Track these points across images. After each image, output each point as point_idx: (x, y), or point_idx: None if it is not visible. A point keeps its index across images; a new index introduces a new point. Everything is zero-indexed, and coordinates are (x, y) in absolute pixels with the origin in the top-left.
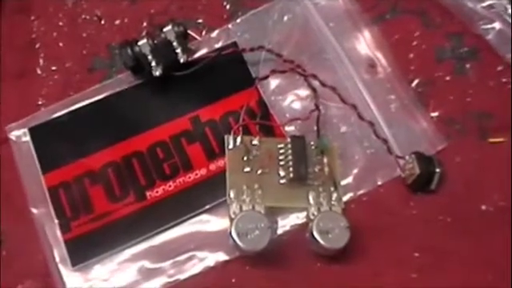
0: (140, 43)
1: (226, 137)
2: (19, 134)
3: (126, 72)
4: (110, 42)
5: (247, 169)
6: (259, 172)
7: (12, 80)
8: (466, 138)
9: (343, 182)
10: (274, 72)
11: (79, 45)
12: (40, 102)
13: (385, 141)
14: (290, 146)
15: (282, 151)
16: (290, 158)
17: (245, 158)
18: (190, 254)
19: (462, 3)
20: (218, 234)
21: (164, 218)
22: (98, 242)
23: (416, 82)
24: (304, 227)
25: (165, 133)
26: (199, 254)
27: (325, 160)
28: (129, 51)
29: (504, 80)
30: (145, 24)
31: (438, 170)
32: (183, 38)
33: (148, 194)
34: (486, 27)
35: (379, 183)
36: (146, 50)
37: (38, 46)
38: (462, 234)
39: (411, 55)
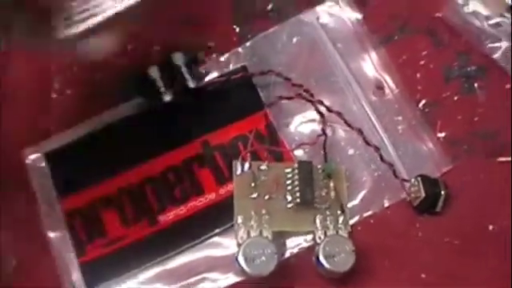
0: (150, 69)
1: (234, 162)
2: (35, 159)
3: (138, 97)
4: (121, 66)
5: (254, 195)
6: (267, 197)
7: (26, 103)
8: (474, 158)
9: (350, 205)
10: (281, 98)
11: (91, 69)
12: (54, 127)
13: (390, 164)
14: (297, 170)
15: (289, 176)
16: (296, 182)
17: (252, 184)
18: (202, 276)
19: (469, 22)
20: (229, 256)
21: (176, 242)
22: (112, 266)
23: (423, 102)
24: (311, 250)
25: (177, 157)
26: (211, 276)
27: (331, 184)
28: (139, 77)
29: None
30: (156, 48)
31: (443, 192)
32: (193, 62)
33: (160, 218)
34: (493, 45)
35: (386, 205)
36: (156, 76)
37: (52, 68)
38: (469, 255)
39: (418, 75)
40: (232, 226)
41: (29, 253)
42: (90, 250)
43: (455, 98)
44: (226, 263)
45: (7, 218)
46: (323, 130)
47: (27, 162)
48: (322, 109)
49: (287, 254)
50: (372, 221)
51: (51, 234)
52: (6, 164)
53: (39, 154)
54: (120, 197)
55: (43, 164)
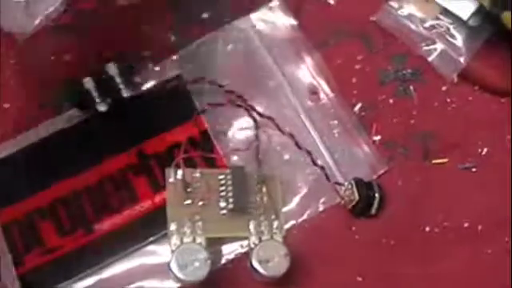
0: (84, 80)
1: (166, 170)
2: None
3: (74, 109)
4: (59, 78)
5: (188, 201)
6: (200, 204)
7: None
8: (410, 160)
9: (285, 209)
10: (210, 105)
11: (30, 82)
12: None
13: (322, 168)
14: (230, 176)
15: (222, 182)
16: (230, 188)
17: (186, 191)
18: (138, 284)
19: (404, 25)
20: (164, 264)
21: (112, 250)
22: (50, 275)
23: (359, 106)
24: (247, 256)
25: (113, 167)
26: (147, 284)
27: (264, 189)
28: (74, 89)
29: (448, 100)
30: (92, 59)
31: (377, 194)
32: (128, 72)
33: (96, 227)
34: (428, 48)
35: (321, 209)
36: (91, 87)
37: None
38: (406, 256)
39: (354, 79)
40: (166, 233)
41: None
42: (28, 260)
43: (391, 101)
44: (162, 271)
45: None
46: (256, 136)
47: None
48: (255, 114)
49: (223, 261)
50: (307, 225)
51: None
52: None
53: None
54: (56, 207)
55: None
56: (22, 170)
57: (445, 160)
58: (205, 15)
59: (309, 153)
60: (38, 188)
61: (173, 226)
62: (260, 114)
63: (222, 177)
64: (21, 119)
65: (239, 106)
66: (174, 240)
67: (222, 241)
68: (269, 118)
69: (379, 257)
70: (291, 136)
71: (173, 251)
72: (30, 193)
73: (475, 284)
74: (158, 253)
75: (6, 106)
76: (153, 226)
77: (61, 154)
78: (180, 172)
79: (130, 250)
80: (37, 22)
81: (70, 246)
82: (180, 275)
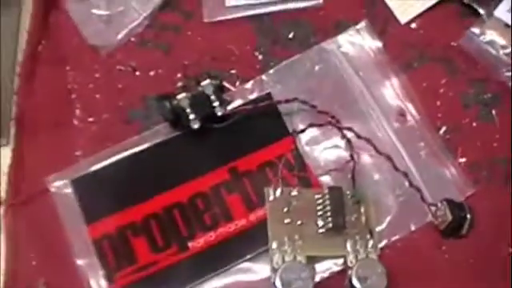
0: (179, 97)
1: (265, 189)
2: (60, 185)
3: (164, 123)
4: (145, 93)
5: (287, 220)
6: (299, 222)
7: (49, 130)
8: (493, 183)
9: (377, 229)
10: (312, 125)
11: (115, 96)
12: (77, 153)
13: (418, 189)
14: (327, 196)
15: (319, 201)
16: (328, 208)
17: (285, 210)
18: None
19: (485, 50)
20: (260, 282)
21: (206, 268)
22: None
23: (444, 128)
24: (341, 274)
25: (204, 184)
26: None
27: (362, 209)
28: (167, 105)
29: None
30: (179, 75)
31: (468, 215)
32: (219, 90)
33: (190, 244)
34: (509, 74)
35: (412, 229)
36: (185, 104)
37: (74, 96)
38: (492, 275)
39: (438, 102)
40: (263, 251)
41: (58, 280)
42: (120, 277)
43: (474, 125)
44: None
45: (37, 244)
46: (352, 156)
47: (52, 189)
48: (350, 135)
49: (318, 279)
50: (399, 244)
51: (79, 261)
52: (32, 192)
53: (64, 181)
54: (148, 223)
55: (69, 190)
56: (113, 184)
57: None
58: (290, 36)
59: (405, 174)
60: (130, 202)
61: (274, 245)
62: (358, 136)
63: (319, 196)
64: (106, 133)
65: (337, 127)
66: (276, 258)
67: (317, 259)
68: (366, 139)
69: (467, 275)
70: (388, 158)
71: (275, 269)
72: (121, 207)
73: None
74: (253, 270)
75: (90, 119)
76: (247, 244)
77: (152, 169)
78: (279, 191)
79: (225, 268)
80: (120, 36)
81: (163, 264)
82: None
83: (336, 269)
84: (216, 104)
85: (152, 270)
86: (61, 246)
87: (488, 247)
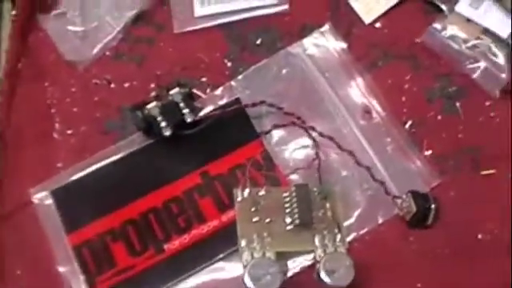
0: (149, 106)
1: (234, 190)
2: (41, 197)
3: (138, 133)
4: (120, 104)
5: (256, 218)
6: (267, 220)
7: (31, 144)
8: (460, 172)
9: (346, 223)
10: (276, 126)
11: (92, 108)
12: (59, 165)
13: (382, 183)
14: (294, 193)
15: (287, 199)
16: (295, 205)
17: (253, 209)
18: None
19: (447, 45)
20: (234, 279)
21: (182, 269)
22: None
23: (409, 123)
24: (312, 268)
25: (178, 188)
26: None
27: (327, 205)
28: (139, 114)
29: (492, 114)
30: (152, 85)
31: (433, 206)
32: (189, 97)
33: (166, 246)
34: (471, 66)
35: (380, 222)
36: (156, 113)
37: (53, 111)
38: (461, 263)
39: (403, 98)
40: (234, 250)
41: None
42: (100, 281)
43: (439, 118)
44: (232, 286)
45: (21, 255)
46: (317, 154)
47: (34, 200)
48: (315, 134)
49: (289, 274)
50: (367, 237)
51: (61, 269)
52: (16, 204)
53: (45, 192)
54: (126, 228)
55: (50, 201)
56: (91, 193)
57: (493, 171)
58: (258, 42)
59: (368, 169)
60: (108, 210)
61: (243, 243)
62: (321, 134)
63: (286, 194)
64: (84, 144)
65: (301, 127)
66: (246, 255)
67: (288, 255)
68: (329, 137)
69: (436, 265)
70: (351, 153)
71: (245, 266)
72: (99, 215)
73: None
74: (226, 269)
75: (69, 132)
76: (221, 243)
77: (128, 176)
78: (247, 191)
79: (200, 268)
80: (95, 50)
81: (141, 266)
82: None
83: (307, 263)
84: (186, 111)
85: (131, 273)
86: (44, 255)
87: (455, 236)
